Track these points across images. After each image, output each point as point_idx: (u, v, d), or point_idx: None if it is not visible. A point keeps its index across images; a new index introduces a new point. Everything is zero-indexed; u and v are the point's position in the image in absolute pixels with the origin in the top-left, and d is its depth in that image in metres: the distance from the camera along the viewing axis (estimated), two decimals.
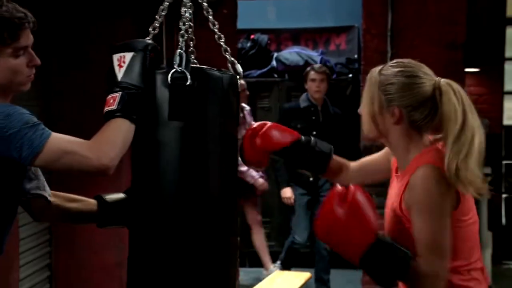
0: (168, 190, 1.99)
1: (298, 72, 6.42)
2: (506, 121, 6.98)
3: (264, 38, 6.68)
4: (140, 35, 2.20)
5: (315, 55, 6.56)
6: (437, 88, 1.94)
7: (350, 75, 6.60)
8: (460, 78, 5.40)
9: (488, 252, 5.65)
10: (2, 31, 1.88)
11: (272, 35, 6.89)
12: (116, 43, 2.02)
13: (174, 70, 1.94)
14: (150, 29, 2.15)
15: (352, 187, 1.98)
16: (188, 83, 1.94)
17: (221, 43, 2.17)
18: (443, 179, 1.87)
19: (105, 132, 1.93)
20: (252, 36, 6.62)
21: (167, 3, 2.12)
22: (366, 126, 2.04)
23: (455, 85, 1.94)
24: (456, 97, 1.92)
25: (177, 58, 1.96)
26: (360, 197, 1.95)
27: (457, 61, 5.20)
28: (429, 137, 2.03)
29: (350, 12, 6.67)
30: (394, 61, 2.04)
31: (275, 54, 6.65)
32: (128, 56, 1.96)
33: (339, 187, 2.00)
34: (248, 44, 6.58)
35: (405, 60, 2.01)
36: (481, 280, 2.00)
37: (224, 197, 2.03)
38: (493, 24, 6.71)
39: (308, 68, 5.61)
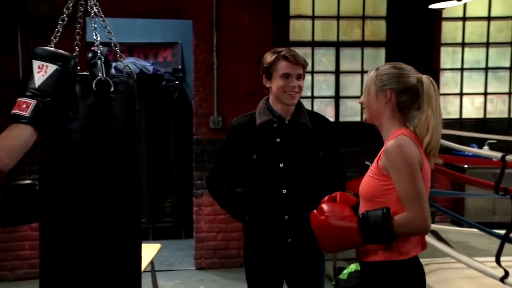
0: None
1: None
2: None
3: (104, 49, 6.02)
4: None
5: (148, 64, 6.10)
6: (419, 81, 1.99)
7: (177, 82, 6.28)
8: None
9: None
10: None
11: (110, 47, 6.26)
12: (37, 48, 1.65)
13: (98, 78, 1.70)
14: (52, 38, 1.84)
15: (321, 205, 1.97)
16: (111, 89, 1.71)
17: (117, 50, 2.09)
18: (411, 145, 1.91)
19: (6, 139, 1.60)
20: (92, 48, 5.97)
21: (65, 18, 1.87)
22: (366, 113, 2.08)
23: (431, 79, 2.00)
24: (434, 88, 1.97)
25: (99, 68, 1.73)
26: (328, 206, 1.95)
27: None
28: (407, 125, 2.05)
29: (175, 31, 6.37)
30: (386, 63, 2.07)
31: (114, 64, 6.07)
32: (51, 67, 1.63)
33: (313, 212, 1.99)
34: (90, 55, 5.92)
35: (395, 62, 2.06)
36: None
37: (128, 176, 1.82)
38: (282, 44, 6.83)
39: (274, 57, 2.52)
